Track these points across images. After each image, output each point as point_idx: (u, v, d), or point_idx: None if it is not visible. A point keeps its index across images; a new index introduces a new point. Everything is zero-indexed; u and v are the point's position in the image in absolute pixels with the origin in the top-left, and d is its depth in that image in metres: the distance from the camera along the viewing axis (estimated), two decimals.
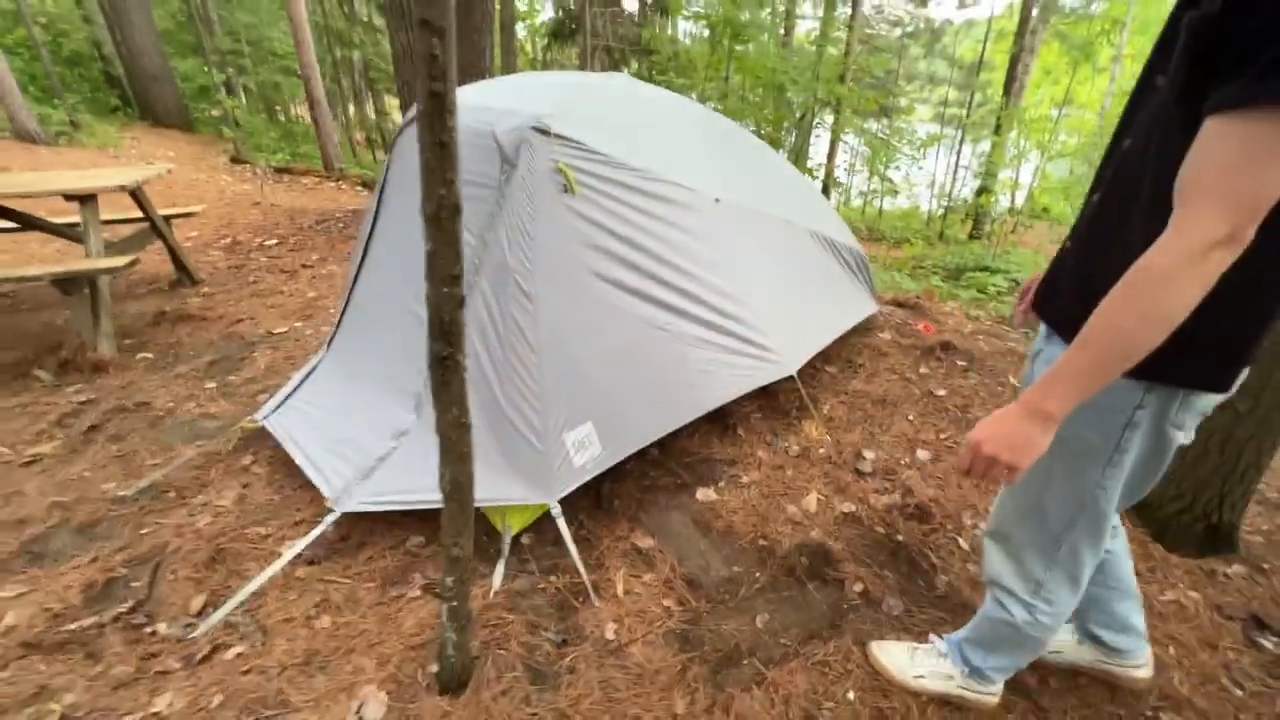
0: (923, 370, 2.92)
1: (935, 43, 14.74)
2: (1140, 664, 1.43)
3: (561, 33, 10.14)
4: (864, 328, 3.30)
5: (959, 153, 13.44)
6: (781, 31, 14.91)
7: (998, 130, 11.09)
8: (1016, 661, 1.32)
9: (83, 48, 13.63)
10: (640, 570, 1.74)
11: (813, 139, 11.61)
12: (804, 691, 1.41)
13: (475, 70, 4.33)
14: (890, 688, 1.43)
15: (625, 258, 1.97)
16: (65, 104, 10.35)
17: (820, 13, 16.07)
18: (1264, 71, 0.65)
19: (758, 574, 1.75)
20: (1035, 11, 11.67)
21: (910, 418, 2.54)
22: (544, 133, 1.82)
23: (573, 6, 9.80)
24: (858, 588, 1.70)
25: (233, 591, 1.65)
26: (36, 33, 10.65)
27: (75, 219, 3.15)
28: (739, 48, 5.96)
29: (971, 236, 11.88)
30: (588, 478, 1.81)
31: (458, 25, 3.20)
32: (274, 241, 4.96)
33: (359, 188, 9.53)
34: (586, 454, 1.81)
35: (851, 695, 1.42)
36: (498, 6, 6.83)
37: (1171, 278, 0.74)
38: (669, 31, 12.87)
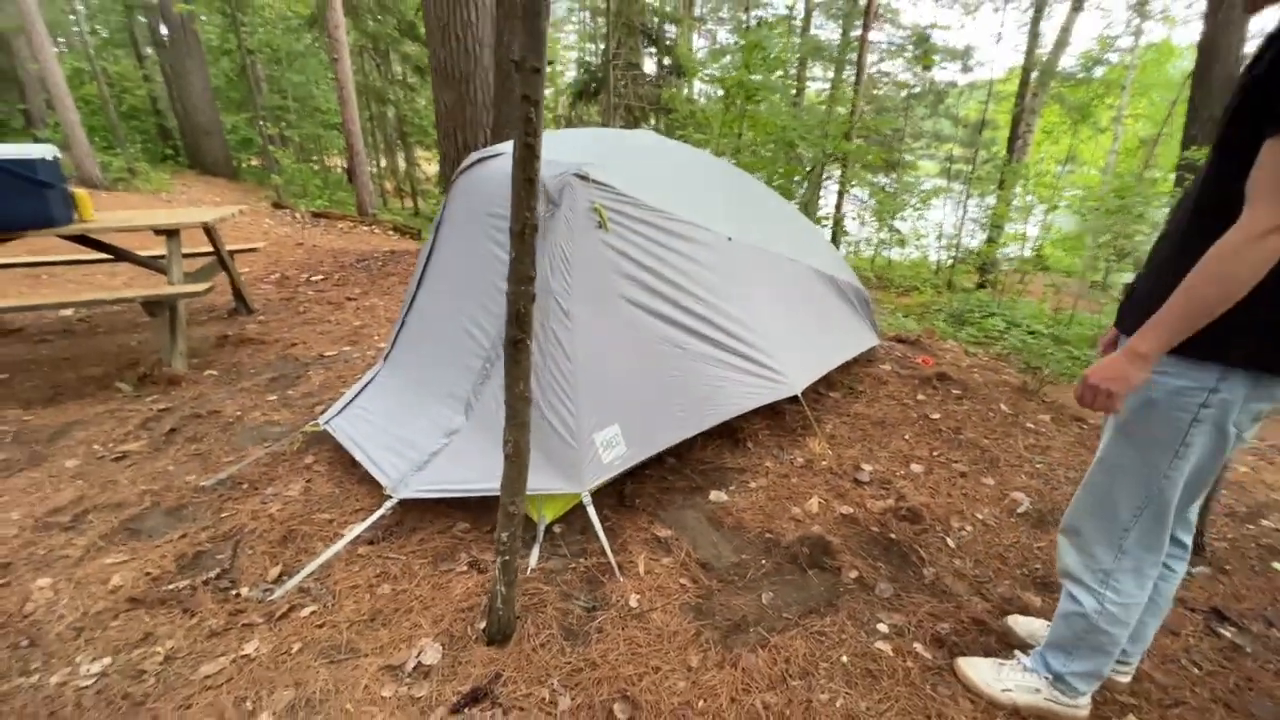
0: (920, 397, 3.15)
1: (939, 103, 15.47)
2: (1129, 670, 1.57)
3: (586, 92, 10.88)
4: (866, 359, 3.55)
5: (965, 206, 13.91)
6: (794, 91, 15.75)
7: (1001, 185, 11.55)
8: (1097, 666, 1.39)
9: (142, 103, 14.75)
10: (659, 555, 1.97)
11: (824, 191, 12.14)
12: (803, 654, 1.62)
13: (514, 126, 4.81)
14: (878, 655, 1.63)
15: (649, 285, 2.27)
16: (125, 153, 11.17)
17: (830, 74, 17.01)
18: None
19: (763, 561, 1.96)
20: (1034, 76, 12.31)
21: (906, 437, 2.77)
22: (583, 178, 2.16)
23: (595, 69, 10.55)
24: (853, 574, 1.91)
25: (304, 564, 1.90)
26: (103, 89, 11.59)
27: (151, 252, 3.55)
28: (750, 107, 6.44)
29: (979, 286, 12.17)
30: (615, 473, 2.06)
31: (501, 88, 3.73)
32: (319, 277, 5.38)
33: (390, 232, 10.10)
34: (614, 452, 2.06)
35: (845, 659, 1.61)
36: None
37: (1235, 254, 0.97)
38: (685, 91, 13.68)
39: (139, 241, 4.05)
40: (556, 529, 2.08)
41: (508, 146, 2.62)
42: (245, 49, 12.35)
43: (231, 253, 4.19)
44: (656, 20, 10.21)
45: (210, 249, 3.97)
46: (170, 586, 1.83)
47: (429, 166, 19.05)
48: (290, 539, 2.03)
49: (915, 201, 11.12)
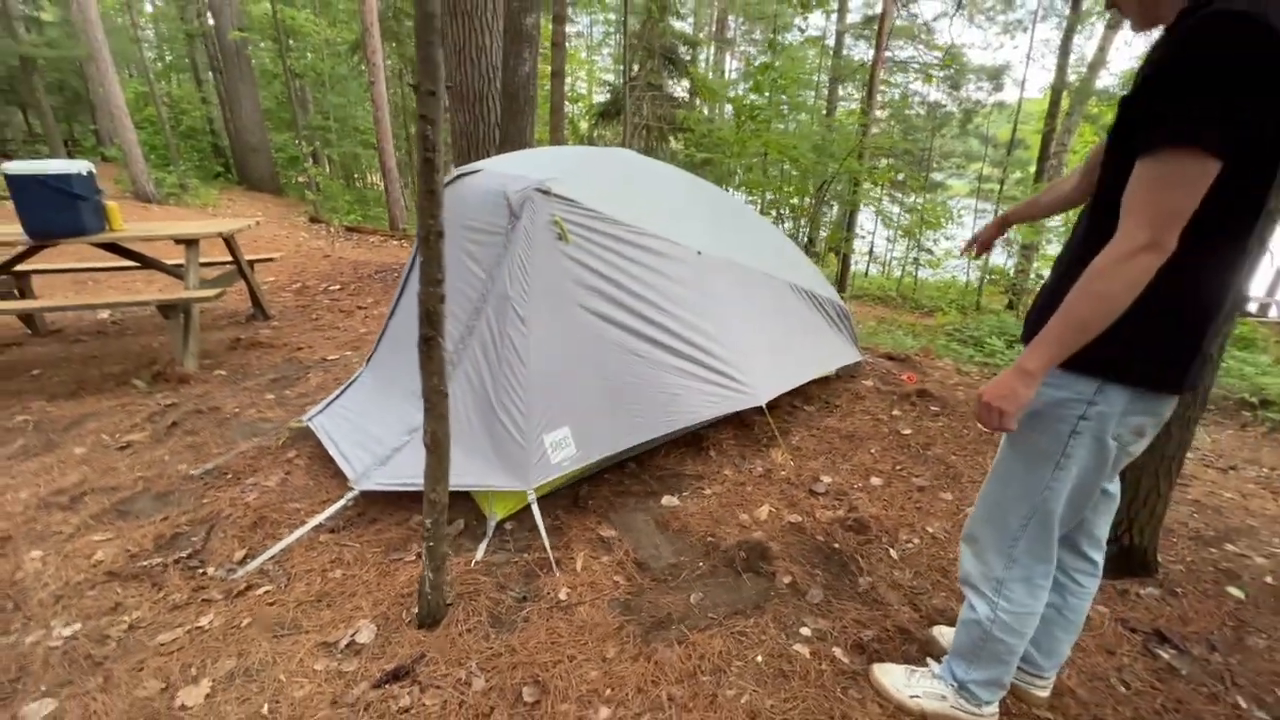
0: (895, 413, 3.15)
1: (968, 123, 15.30)
2: (1046, 684, 1.56)
3: (608, 112, 11.15)
4: (849, 375, 3.57)
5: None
6: (824, 112, 15.80)
7: None
8: (997, 675, 1.41)
9: (197, 123, 15.72)
10: (599, 553, 2.04)
11: (844, 211, 12.09)
12: (718, 651, 1.66)
13: (517, 144, 5.00)
14: (794, 656, 1.66)
15: (609, 294, 2.37)
16: (178, 170, 11.90)
17: (859, 95, 17.02)
18: (1168, 129, 0.93)
19: (700, 563, 2.01)
20: (1065, 96, 12.07)
21: (873, 451, 2.77)
22: (545, 193, 2.28)
23: (617, 89, 10.81)
24: (786, 579, 1.94)
25: (267, 548, 2.04)
26: (162, 111, 12.41)
27: (177, 261, 3.82)
28: (758, 127, 6.54)
29: (1009, 307, 11.89)
30: (562, 473, 2.14)
31: (506, 108, 3.94)
32: (337, 287, 5.65)
33: None
34: (563, 453, 2.15)
35: (760, 659, 1.65)
36: (548, 89, 7.72)
37: (1107, 272, 0.98)
38: (710, 112, 13.89)
39: (169, 251, 4.36)
40: (509, 526, 2.17)
41: (486, 163, 2.77)
42: (292, 72, 13.07)
43: (251, 262, 4.47)
44: (676, 43, 10.44)
45: (230, 259, 4.24)
46: (145, 563, 1.98)
47: None
48: (260, 525, 2.17)
49: (945, 220, 10.94)
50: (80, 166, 3.31)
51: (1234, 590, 1.99)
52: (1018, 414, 1.12)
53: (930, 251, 14.04)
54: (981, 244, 1.74)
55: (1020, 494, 1.28)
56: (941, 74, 14.07)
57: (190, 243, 3.57)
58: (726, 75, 22.60)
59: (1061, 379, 1.16)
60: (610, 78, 23.66)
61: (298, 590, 1.86)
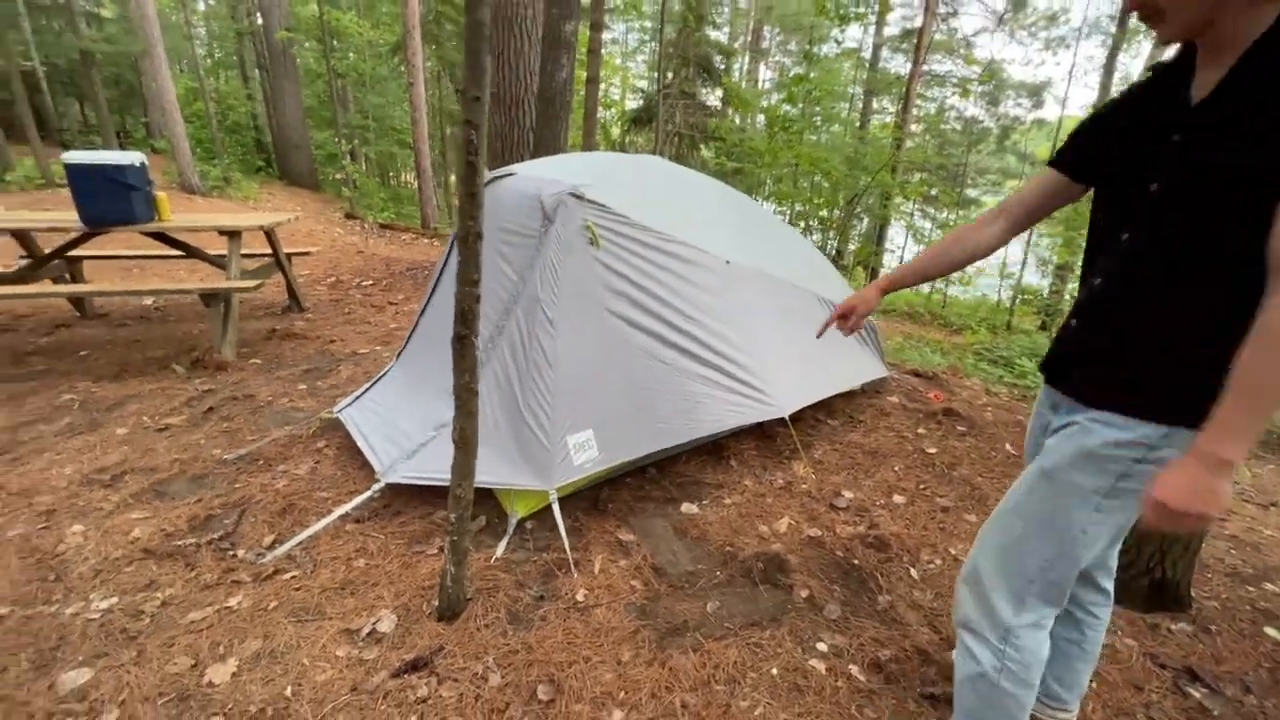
0: (920, 431, 3.11)
1: (1005, 139, 15.04)
2: (1069, 714, 1.50)
3: (641, 119, 11.23)
4: (874, 390, 3.53)
5: (1028, 244, 13.39)
6: (858, 124, 15.70)
7: (1066, 226, 11.08)
8: None
9: (242, 119, 16.22)
10: (617, 557, 2.05)
11: (873, 224, 11.96)
12: (734, 661, 1.65)
13: (551, 149, 5.07)
14: (810, 671, 1.64)
15: (637, 300, 2.39)
16: (222, 164, 12.29)
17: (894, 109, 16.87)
18: None
19: (718, 572, 2.01)
20: None
21: (896, 468, 2.74)
22: (578, 197, 2.31)
23: (650, 97, 10.87)
24: (804, 593, 1.93)
25: (295, 534, 2.09)
26: (210, 106, 12.83)
27: (219, 252, 3.96)
28: (789, 137, 6.52)
29: (1041, 327, 11.64)
30: (584, 475, 2.16)
31: (541, 112, 4.01)
32: (370, 283, 5.78)
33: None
34: (585, 455, 2.17)
35: (775, 671, 1.64)
36: (582, 95, 7.80)
37: None
38: (737, 122, 13.89)
39: (210, 242, 4.51)
40: (529, 525, 2.19)
41: (520, 167, 2.82)
42: (335, 72, 13.42)
43: (289, 255, 4.60)
44: (711, 52, 10.47)
45: (269, 251, 4.36)
46: (179, 543, 2.05)
47: None
48: (288, 511, 2.23)
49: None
50: (134, 158, 3.45)
51: (1272, 631, 1.92)
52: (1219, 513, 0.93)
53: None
54: (851, 325, 1.48)
55: (1047, 535, 1.13)
56: (980, 89, 13.87)
57: (233, 235, 3.69)
58: (760, 85, 22.60)
59: (1126, 422, 1.04)
60: (643, 84, 23.82)
61: (323, 577, 1.91)
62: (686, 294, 2.52)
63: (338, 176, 15.40)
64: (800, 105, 6.37)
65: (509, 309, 2.34)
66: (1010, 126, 14.67)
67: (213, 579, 1.90)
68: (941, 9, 9.58)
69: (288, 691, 1.52)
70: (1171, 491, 0.93)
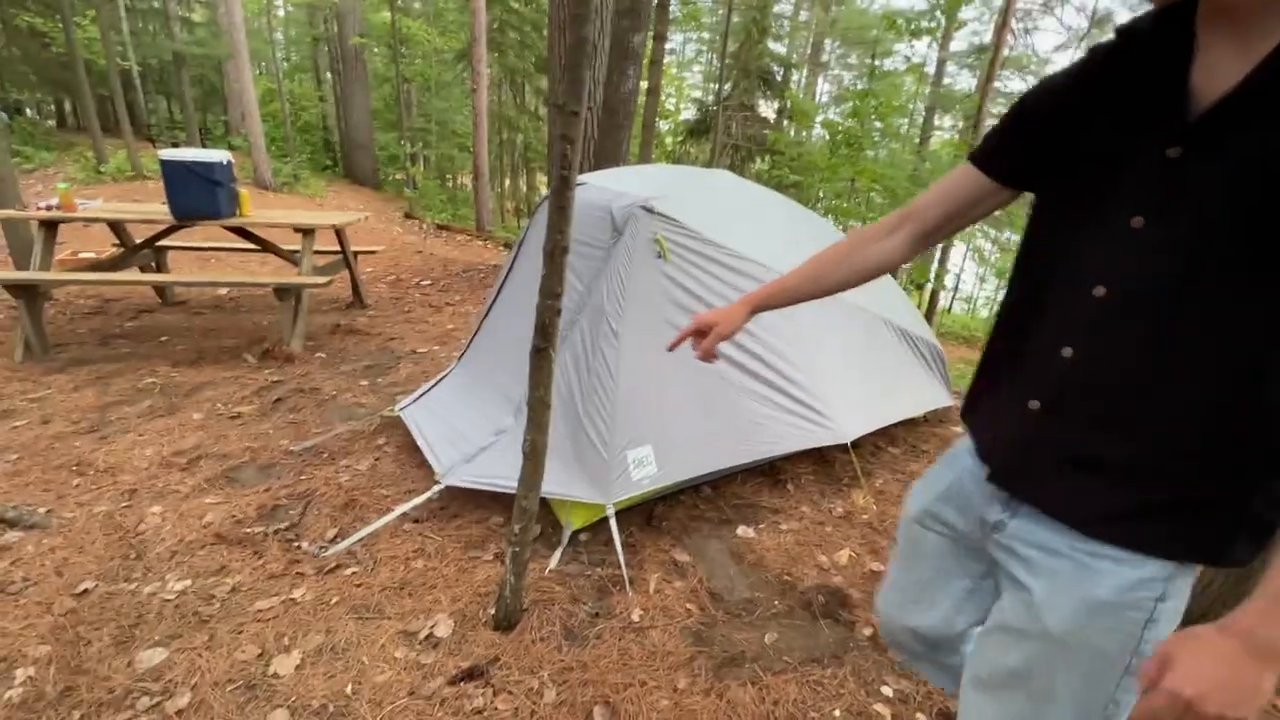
0: None
1: None
2: None
3: (697, 130, 11.22)
4: (936, 419, 3.39)
5: None
6: (918, 141, 15.30)
7: None
8: None
9: (313, 120, 16.98)
10: (672, 577, 2.01)
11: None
12: (794, 699, 1.59)
13: (612, 159, 5.09)
14: (875, 716, 1.57)
15: None
16: (293, 161, 12.86)
17: (960, 124, 16.37)
18: None
19: (776, 602, 1.95)
20: None
21: None
22: (649, 211, 2.30)
23: (707, 108, 10.86)
24: (867, 631, 1.85)
25: (356, 530, 2.13)
26: (285, 107, 13.47)
27: (291, 247, 4.12)
28: (852, 153, 6.40)
29: None
30: (642, 491, 2.13)
31: (604, 123, 4.03)
32: (428, 282, 5.92)
33: (500, 247, 10.86)
34: (643, 471, 2.14)
35: (837, 713, 1.57)
36: (641, 105, 7.84)
37: None
38: (801, 135, 13.73)
39: (281, 237, 4.69)
40: (583, 537, 2.18)
41: (588, 177, 2.82)
42: (402, 77, 13.91)
43: (356, 253, 4.75)
44: (772, 64, 10.39)
45: (338, 249, 4.52)
46: (248, 530, 2.12)
47: (544, 190, 20.31)
48: (350, 506, 2.28)
49: None
50: (221, 156, 3.63)
51: None
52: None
53: None
54: (705, 348, 1.17)
55: (1066, 717, 0.83)
56: None
57: (308, 232, 3.84)
58: (817, 98, 22.32)
59: (1133, 557, 0.76)
60: (698, 94, 23.86)
61: (382, 575, 1.93)
62: None
63: (398, 177, 15.94)
64: (864, 120, 6.25)
65: (573, 319, 2.34)
66: None
67: (278, 569, 1.95)
68: (1017, 24, 9.27)
69: (348, 689, 1.54)
70: (1195, 681, 0.62)
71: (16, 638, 1.62)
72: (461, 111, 15.70)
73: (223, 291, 5.08)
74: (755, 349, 2.43)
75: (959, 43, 16.32)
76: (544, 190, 19.90)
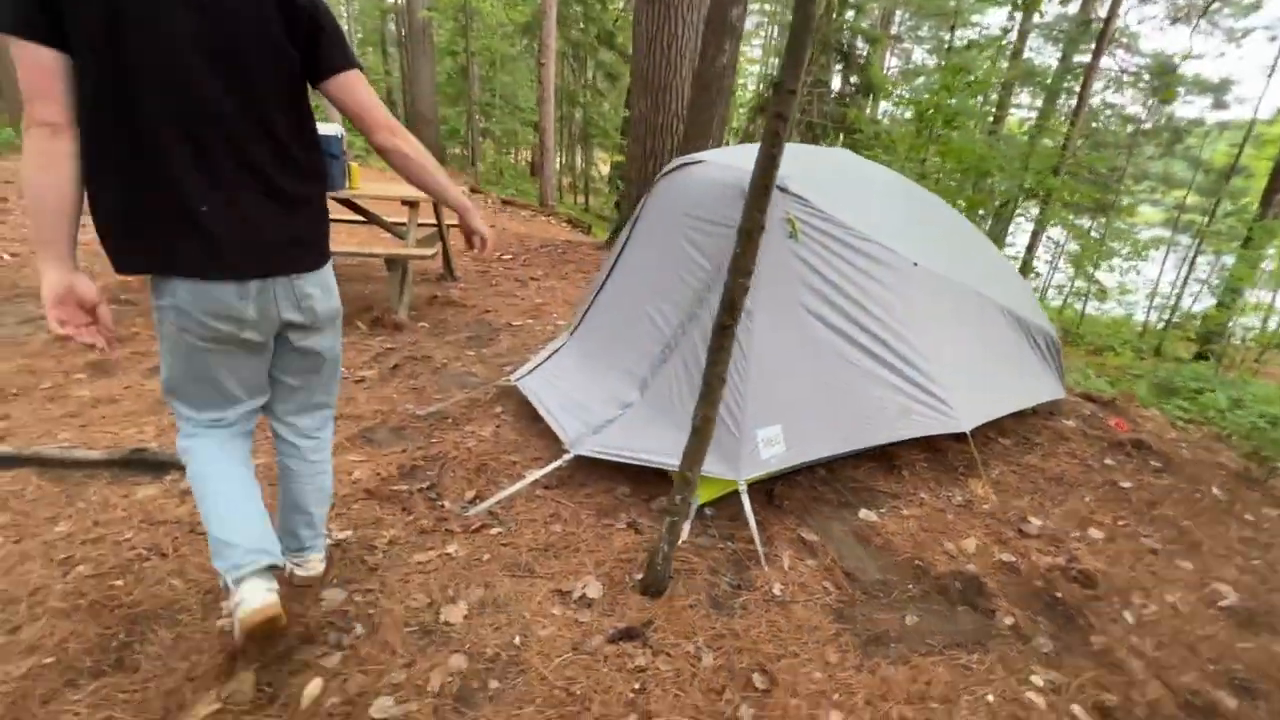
0: (1107, 461, 2.86)
1: (1176, 143, 13.37)
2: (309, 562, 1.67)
3: (766, 107, 10.94)
4: (1047, 411, 3.29)
5: (1192, 263, 11.90)
6: (991, 119, 14.55)
7: (1247, 243, 9.76)
8: None
9: (380, 92, 17.31)
10: (804, 555, 2.04)
11: (1013, 228, 11.09)
12: (946, 680, 1.61)
13: (704, 137, 5.05)
14: (1030, 704, 1.57)
15: (829, 298, 2.34)
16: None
17: (1039, 103, 15.47)
18: None
19: (911, 585, 1.95)
20: None
21: (1086, 499, 2.54)
22: (783, 190, 2.28)
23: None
24: (1008, 620, 1.84)
25: (493, 493, 2.23)
26: None
27: (390, 219, 4.27)
28: (945, 132, 6.13)
29: (1199, 356, 10.41)
30: (771, 469, 2.16)
31: (696, 98, 4.00)
32: (509, 257, 6.04)
33: (565, 224, 10.94)
34: (772, 450, 2.16)
35: (991, 699, 1.58)
36: None
37: None
38: (868, 111, 13.24)
39: (378, 208, 4.85)
40: (708, 512, 2.23)
41: (711, 155, 2.82)
42: (469, 51, 14.02)
43: (450, 226, 4.88)
44: (850, 37, 10.00)
45: (433, 221, 4.65)
46: (394, 488, 2.25)
47: (603, 167, 20.28)
48: (482, 470, 2.38)
49: (1126, 250, 9.74)
50: (336, 129, 3.76)
51: None
52: None
53: (1099, 282, 12.57)
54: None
55: None
56: (1154, 84, 12.39)
57: (413, 205, 3.96)
58: (884, 72, 21.41)
59: None
60: (758, 69, 23.22)
61: (526, 537, 2.03)
62: (875, 294, 2.44)
63: (457, 152, 16.17)
64: (956, 96, 5.96)
65: (702, 297, 2.36)
66: (1184, 129, 13.04)
67: (428, 525, 2.07)
68: None
69: (516, 640, 1.63)
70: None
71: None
72: (525, 86, 15.75)
73: None
74: (881, 333, 2.40)
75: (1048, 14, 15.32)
76: (603, 167, 19.85)
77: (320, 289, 1.41)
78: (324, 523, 1.73)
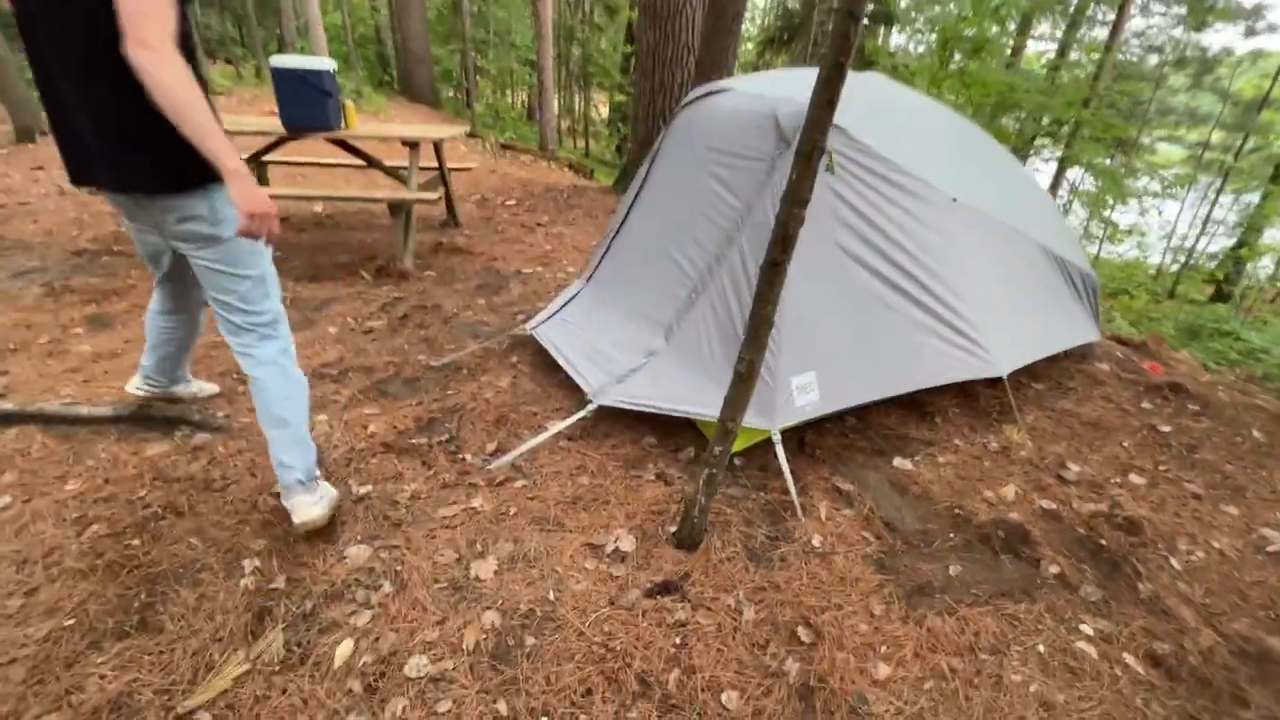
0: (1145, 405, 2.77)
1: (1205, 74, 12.71)
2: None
3: (777, 40, 10.38)
4: (1079, 355, 3.17)
5: (1214, 203, 11.52)
6: (1008, 52, 13.82)
7: (1274, 179, 9.41)
8: None
9: (369, 32, 16.48)
10: (840, 505, 1.97)
11: (1033, 168, 10.68)
12: (994, 631, 1.56)
13: (718, 68, 4.75)
14: (1081, 654, 1.52)
15: (866, 236, 2.19)
16: (355, 77, 12.61)
17: (1058, 34, 14.67)
18: None
19: (951, 534, 1.89)
20: None
21: (1125, 444, 2.46)
22: None
23: (793, 13, 9.96)
24: (1053, 569, 1.78)
25: (515, 445, 2.15)
26: (346, 19, 13.08)
27: (391, 163, 4.04)
28: (970, 64, 5.77)
29: (1215, 298, 10.23)
30: (805, 418, 2.07)
31: (709, 26, 3.68)
32: (513, 202, 5.81)
33: (567, 169, 10.56)
34: (807, 398, 2.07)
35: (1041, 648, 1.53)
36: None
37: None
38: (883, 42, 12.55)
39: (375, 150, 4.61)
40: (738, 462, 2.15)
41: (734, 82, 2.60)
42: None
43: (451, 170, 4.65)
44: None
45: (435, 164, 4.43)
46: (412, 441, 2.17)
47: (602, 109, 19.50)
48: (502, 422, 2.30)
49: (1153, 187, 9.38)
50: (327, 64, 3.50)
51: None
52: None
53: (1114, 224, 12.21)
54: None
55: None
56: (1172, 10, 11.67)
57: (414, 146, 3.74)
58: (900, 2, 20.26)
59: None
60: (762, 2, 22.02)
61: (553, 490, 1.96)
62: (914, 233, 2.29)
63: (452, 94, 15.49)
64: (982, 23, 5.57)
65: (730, 237, 2.22)
66: (1214, 60, 12.37)
67: (451, 479, 2.00)
68: None
69: (550, 595, 1.58)
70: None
71: (236, 530, 1.72)
72: (523, 20, 14.94)
73: (319, 209, 5.10)
74: (918, 274, 2.26)
75: None
76: (605, 110, 19.07)
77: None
78: (285, 452, 1.66)
